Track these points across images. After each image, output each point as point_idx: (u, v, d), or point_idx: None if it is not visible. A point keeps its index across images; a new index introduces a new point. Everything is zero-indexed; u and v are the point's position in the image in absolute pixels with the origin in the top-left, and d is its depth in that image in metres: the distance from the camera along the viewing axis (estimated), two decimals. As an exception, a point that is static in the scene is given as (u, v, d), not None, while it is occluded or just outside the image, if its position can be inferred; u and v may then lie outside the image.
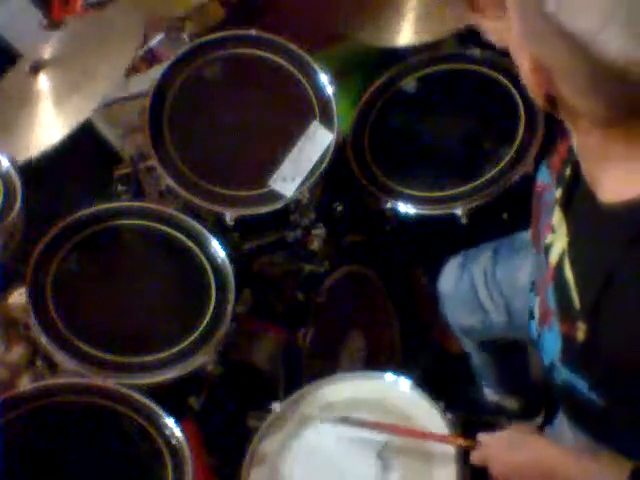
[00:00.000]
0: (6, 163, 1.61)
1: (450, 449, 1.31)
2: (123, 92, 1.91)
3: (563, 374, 1.04)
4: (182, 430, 1.37)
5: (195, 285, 1.62)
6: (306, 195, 1.67)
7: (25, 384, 1.48)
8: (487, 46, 1.84)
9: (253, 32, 1.78)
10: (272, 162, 1.69)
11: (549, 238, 1.08)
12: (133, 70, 1.97)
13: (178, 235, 1.65)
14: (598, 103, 0.87)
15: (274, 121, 1.75)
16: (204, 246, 1.64)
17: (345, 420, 1.39)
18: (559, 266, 1.02)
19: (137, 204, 1.71)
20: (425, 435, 1.35)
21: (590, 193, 0.96)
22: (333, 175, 1.73)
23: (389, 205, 1.75)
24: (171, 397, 1.48)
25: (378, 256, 1.94)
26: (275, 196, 1.66)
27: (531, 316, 1.14)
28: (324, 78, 1.75)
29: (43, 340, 1.45)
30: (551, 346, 1.04)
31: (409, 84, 1.92)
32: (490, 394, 1.92)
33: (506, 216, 1.76)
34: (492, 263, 1.62)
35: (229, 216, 1.64)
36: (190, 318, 1.56)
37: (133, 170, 1.84)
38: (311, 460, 1.40)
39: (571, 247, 1.01)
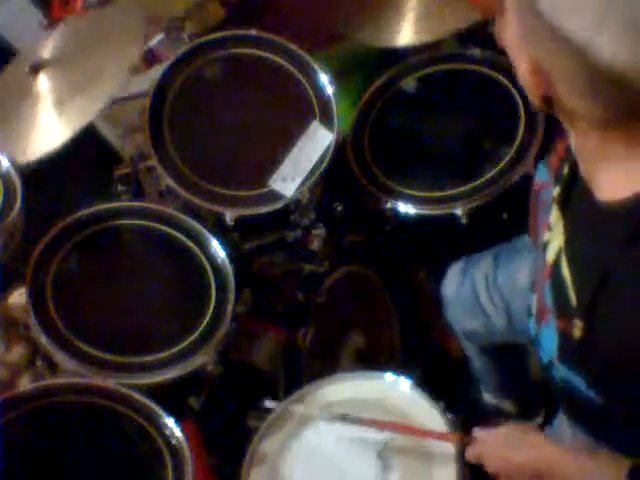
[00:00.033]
0: (6, 163, 1.61)
1: (450, 449, 1.31)
2: (123, 92, 1.91)
3: (561, 372, 1.04)
4: (182, 430, 1.37)
5: (195, 285, 1.62)
6: (306, 195, 1.67)
7: (25, 384, 1.48)
8: (487, 46, 1.85)
9: (253, 32, 1.79)
10: (272, 162, 1.69)
11: (546, 236, 1.09)
12: (133, 70, 1.97)
13: (178, 235, 1.65)
14: (596, 105, 0.87)
15: (274, 121, 1.75)
16: (204, 246, 1.64)
17: (343, 417, 1.39)
18: (556, 264, 1.03)
19: (137, 204, 1.71)
20: (421, 432, 1.35)
21: (587, 191, 0.97)
22: (333, 175, 1.73)
23: (389, 205, 1.75)
24: (171, 397, 1.48)
25: (378, 256, 1.94)
26: (275, 196, 1.66)
27: (529, 314, 1.14)
28: (324, 78, 1.75)
29: (43, 340, 1.45)
30: (549, 343, 1.05)
31: (409, 84, 1.92)
32: (489, 398, 1.92)
33: (506, 216, 1.76)
34: (493, 268, 1.62)
35: (229, 216, 1.63)
36: (190, 318, 1.56)
37: (133, 170, 1.84)
38: (311, 460, 1.40)
39: (568, 245, 1.01)
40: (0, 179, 1.59)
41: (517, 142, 1.75)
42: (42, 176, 1.69)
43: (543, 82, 0.89)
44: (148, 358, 1.50)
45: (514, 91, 1.78)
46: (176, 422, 1.37)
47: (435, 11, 1.81)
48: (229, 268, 1.61)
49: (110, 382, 1.42)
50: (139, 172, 1.83)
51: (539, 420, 1.87)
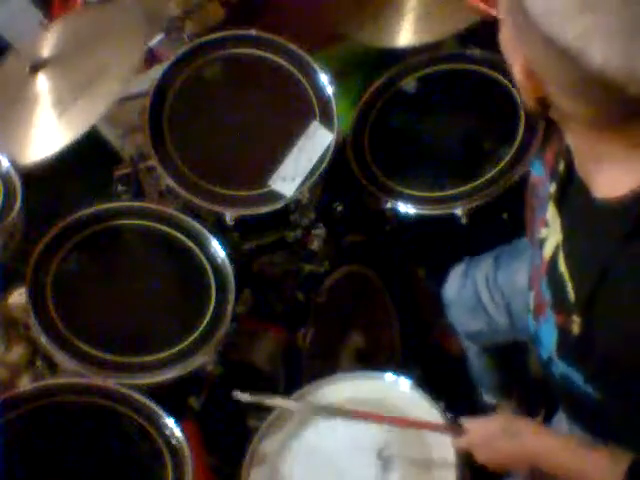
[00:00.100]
0: (6, 163, 1.61)
1: (450, 449, 1.31)
2: (123, 92, 1.91)
3: (560, 368, 1.05)
4: (182, 430, 1.37)
5: (195, 285, 1.62)
6: (306, 195, 1.67)
7: (25, 384, 1.48)
8: (487, 46, 1.85)
9: (253, 32, 1.79)
10: (272, 162, 1.69)
11: (543, 232, 1.09)
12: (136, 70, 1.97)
13: (178, 235, 1.65)
14: (588, 109, 0.87)
15: (274, 121, 1.75)
16: (204, 246, 1.64)
17: (334, 411, 1.39)
18: (553, 260, 1.03)
19: (137, 204, 1.71)
20: (412, 423, 1.35)
21: (584, 188, 0.97)
22: (333, 175, 1.73)
23: (389, 205, 1.75)
24: (171, 397, 1.48)
25: (378, 256, 1.94)
26: (275, 196, 1.66)
27: (528, 310, 1.15)
28: (324, 78, 1.75)
29: (43, 340, 1.45)
30: (548, 339, 1.05)
31: (409, 84, 1.92)
32: (489, 399, 1.92)
33: (506, 216, 1.76)
34: (493, 269, 1.63)
35: (229, 216, 1.63)
36: (190, 318, 1.56)
37: (133, 170, 1.84)
38: (311, 460, 1.40)
39: (565, 241, 1.02)
40: (0, 179, 1.59)
41: (517, 142, 1.75)
42: (42, 176, 1.69)
43: (537, 84, 0.89)
44: (148, 358, 1.50)
45: (514, 91, 1.78)
46: (176, 422, 1.37)
47: (435, 11, 1.81)
48: (229, 268, 1.61)
49: (110, 382, 1.42)
50: (139, 172, 1.83)
51: (539, 419, 1.88)
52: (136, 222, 1.66)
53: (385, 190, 1.77)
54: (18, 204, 1.55)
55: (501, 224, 1.76)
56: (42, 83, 1.67)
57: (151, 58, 2.01)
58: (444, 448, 1.32)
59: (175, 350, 1.51)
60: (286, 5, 2.13)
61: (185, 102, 1.73)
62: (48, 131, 1.62)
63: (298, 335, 1.74)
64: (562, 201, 1.06)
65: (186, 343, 1.53)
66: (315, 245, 1.76)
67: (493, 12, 1.56)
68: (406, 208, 1.74)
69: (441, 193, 1.75)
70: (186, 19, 1.89)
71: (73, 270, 1.57)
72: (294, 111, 1.75)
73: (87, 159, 1.96)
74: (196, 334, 1.54)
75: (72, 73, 1.67)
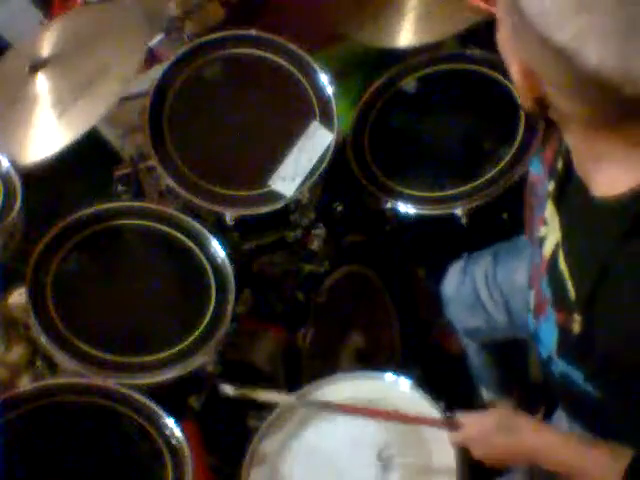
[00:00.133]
0: (6, 163, 1.61)
1: (450, 451, 1.31)
2: (123, 92, 1.91)
3: (560, 366, 1.05)
4: (182, 430, 1.37)
5: (195, 285, 1.62)
6: (306, 195, 1.67)
7: (25, 384, 1.48)
8: (487, 46, 1.85)
9: (253, 32, 1.79)
10: (272, 162, 1.69)
11: (542, 231, 1.09)
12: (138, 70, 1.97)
13: (178, 235, 1.65)
14: (585, 109, 0.88)
15: (274, 121, 1.75)
16: (204, 246, 1.64)
17: (325, 405, 1.39)
18: (553, 258, 1.03)
19: (137, 204, 1.71)
20: (405, 418, 1.35)
21: (583, 187, 0.97)
22: (333, 175, 1.73)
23: (389, 205, 1.75)
24: (171, 397, 1.48)
25: (378, 256, 1.94)
26: (275, 196, 1.66)
27: (528, 309, 1.15)
28: (324, 78, 1.75)
29: (43, 340, 1.45)
30: (548, 338, 1.05)
31: (409, 84, 1.92)
32: (489, 397, 1.92)
33: (506, 216, 1.76)
34: (493, 265, 1.63)
35: (229, 216, 1.63)
36: (190, 318, 1.56)
37: (133, 170, 1.84)
38: (311, 460, 1.40)
39: (565, 240, 1.02)
40: (0, 179, 1.59)
41: (517, 142, 1.75)
42: (42, 176, 1.69)
43: (534, 84, 0.90)
44: (148, 358, 1.50)
45: (514, 91, 1.78)
46: (176, 422, 1.37)
47: (436, 11, 1.81)
48: (229, 268, 1.61)
49: (110, 382, 1.42)
50: (139, 172, 1.83)
51: (538, 417, 1.88)
52: (136, 222, 1.66)
53: (385, 190, 1.77)
54: (18, 204, 1.55)
55: (501, 224, 1.76)
56: (42, 83, 1.67)
57: (151, 58, 2.01)
58: (444, 449, 1.32)
59: (175, 350, 1.51)
60: (286, 5, 2.13)
61: (185, 102, 1.73)
62: (48, 131, 1.62)
63: (298, 335, 1.74)
64: (561, 199, 1.06)
65: (186, 343, 1.53)
66: (315, 245, 1.76)
67: (494, 11, 1.56)
68: (406, 208, 1.74)
69: (441, 193, 1.75)
70: (186, 19, 1.88)
71: (73, 270, 1.56)
72: (294, 111, 1.75)
73: (87, 159, 1.96)
74: (196, 334, 1.54)
75: (72, 73, 1.67)
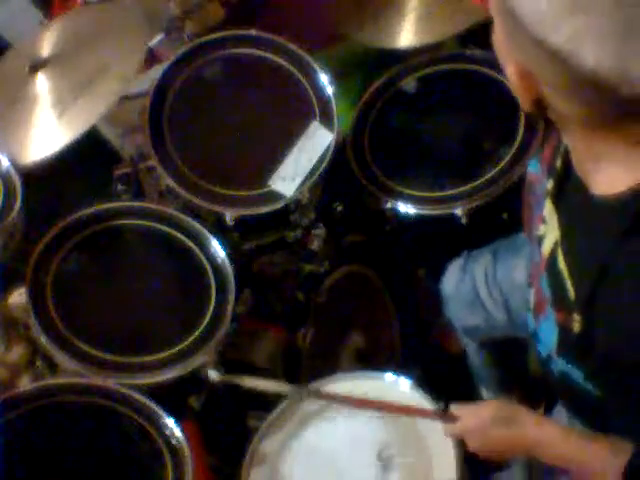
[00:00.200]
0: (6, 163, 1.60)
1: (450, 450, 1.31)
2: (123, 92, 1.91)
3: (560, 365, 1.05)
4: (182, 430, 1.37)
5: (195, 285, 1.62)
6: (306, 195, 1.67)
7: (25, 384, 1.48)
8: (487, 46, 1.85)
9: (253, 32, 1.79)
10: (272, 162, 1.69)
11: (541, 230, 1.10)
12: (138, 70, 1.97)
13: (178, 235, 1.65)
14: (582, 109, 0.88)
15: (274, 121, 1.75)
16: (204, 246, 1.64)
17: (317, 394, 1.39)
18: (552, 257, 1.04)
19: (137, 204, 1.71)
20: (401, 409, 1.35)
21: (582, 185, 0.97)
22: (333, 175, 1.73)
23: (389, 205, 1.75)
24: (171, 397, 1.48)
25: (378, 256, 1.94)
26: (275, 196, 1.66)
27: (527, 308, 1.15)
28: (324, 78, 1.75)
29: (43, 340, 1.45)
30: (548, 337, 1.05)
31: (409, 84, 1.92)
32: (489, 397, 1.92)
33: (506, 216, 1.76)
34: (492, 263, 1.63)
35: (229, 216, 1.63)
36: (190, 318, 1.56)
37: (133, 170, 1.84)
38: (311, 460, 1.40)
39: (564, 239, 1.02)
40: (0, 179, 1.59)
41: (517, 142, 1.75)
42: (42, 176, 1.69)
43: (530, 85, 0.90)
44: (148, 358, 1.50)
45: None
46: (176, 422, 1.37)
47: (436, 12, 1.81)
48: (229, 268, 1.61)
49: (110, 382, 1.42)
50: (139, 172, 1.83)
51: (539, 412, 1.88)
52: (136, 222, 1.66)
53: (385, 190, 1.77)
54: (18, 204, 1.55)
55: (501, 224, 1.76)
56: (42, 83, 1.67)
57: (151, 58, 2.01)
58: (444, 449, 1.32)
59: (175, 350, 1.51)
60: (286, 5, 2.13)
61: (185, 102, 1.73)
62: (48, 131, 1.62)
63: (298, 335, 1.74)
64: (559, 198, 1.06)
65: (186, 343, 1.53)
66: (315, 245, 1.76)
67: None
68: (406, 208, 1.74)
69: (441, 193, 1.75)
70: (186, 19, 1.88)
71: (73, 270, 1.56)
72: (294, 111, 1.75)
73: (87, 159, 1.96)
74: (196, 334, 1.54)
75: (72, 73, 1.67)
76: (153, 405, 1.38)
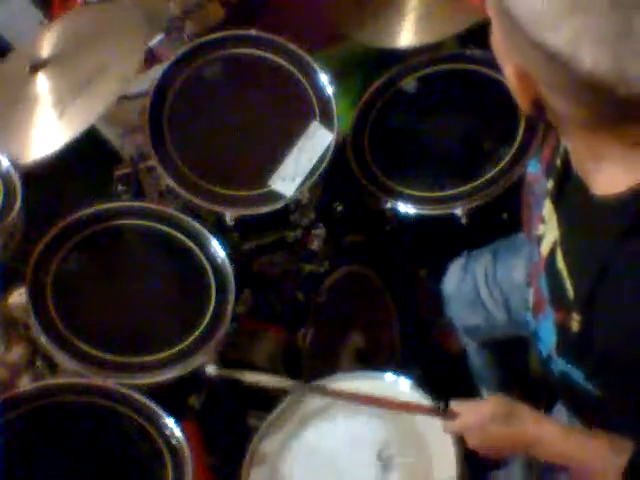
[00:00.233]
0: (6, 163, 1.61)
1: (450, 450, 1.31)
2: (123, 92, 1.91)
3: (560, 365, 1.05)
4: (182, 430, 1.37)
5: (195, 285, 1.62)
6: (306, 195, 1.67)
7: (25, 384, 1.48)
8: (487, 46, 1.85)
9: (253, 32, 1.79)
10: (272, 162, 1.69)
11: (540, 229, 1.10)
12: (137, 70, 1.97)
13: (178, 235, 1.65)
14: (579, 110, 0.88)
15: (274, 121, 1.75)
16: (204, 246, 1.64)
17: (321, 389, 1.39)
18: (551, 257, 1.04)
19: (137, 204, 1.71)
20: (401, 405, 1.35)
21: (582, 185, 0.97)
22: (333, 175, 1.73)
23: (389, 205, 1.75)
24: (171, 397, 1.48)
25: (378, 256, 1.94)
26: (275, 196, 1.66)
27: (527, 307, 1.15)
28: (324, 78, 1.75)
29: (43, 340, 1.45)
30: (547, 337, 1.05)
31: (409, 84, 1.92)
32: (488, 396, 1.92)
33: (506, 216, 1.76)
34: (492, 263, 1.63)
35: (229, 216, 1.63)
36: (190, 318, 1.56)
37: (133, 170, 1.84)
38: (311, 460, 1.40)
39: (563, 238, 1.02)
40: (0, 179, 1.59)
41: (517, 142, 1.75)
42: (42, 176, 1.69)
43: (529, 87, 0.90)
44: (148, 358, 1.49)
45: (514, 91, 1.78)
46: (176, 422, 1.37)
47: (436, 12, 1.81)
48: (229, 268, 1.61)
49: (110, 382, 1.42)
50: (139, 172, 1.83)
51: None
52: (136, 222, 1.66)
53: (385, 190, 1.77)
54: (18, 204, 1.55)
55: (501, 224, 1.76)
56: (42, 83, 1.67)
57: (151, 58, 2.01)
58: (444, 448, 1.32)
59: (175, 350, 1.51)
60: (286, 5, 2.13)
61: (185, 102, 1.73)
62: (48, 130, 1.62)
63: (298, 335, 1.74)
64: (559, 198, 1.06)
65: (186, 343, 1.52)
66: (315, 245, 1.76)
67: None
68: (406, 208, 1.74)
69: (441, 193, 1.75)
70: (186, 19, 1.88)
71: (73, 270, 1.56)
72: (294, 111, 1.75)
73: (87, 159, 1.96)
74: (196, 334, 1.54)
75: (72, 73, 1.67)
76: (153, 405, 1.38)
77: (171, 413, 1.38)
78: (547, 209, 1.08)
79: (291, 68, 1.77)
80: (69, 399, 1.39)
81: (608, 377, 0.98)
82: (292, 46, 1.77)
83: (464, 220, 1.70)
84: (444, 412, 1.29)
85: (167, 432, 1.37)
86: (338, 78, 1.77)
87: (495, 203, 1.71)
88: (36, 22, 2.06)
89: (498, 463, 1.40)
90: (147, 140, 1.68)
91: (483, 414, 1.22)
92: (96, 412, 1.39)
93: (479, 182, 1.73)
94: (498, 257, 1.63)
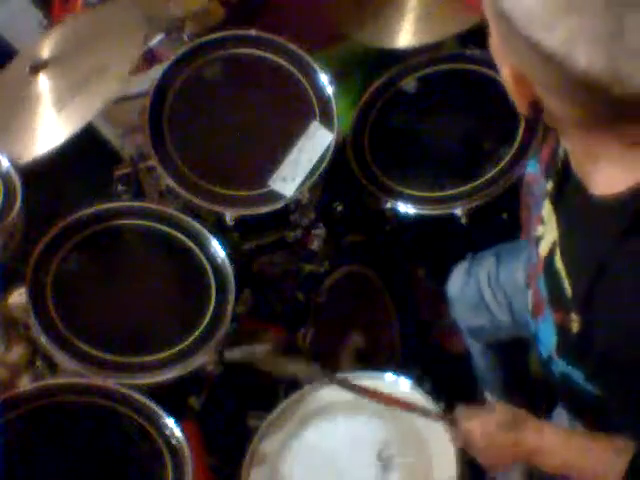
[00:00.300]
0: (6, 163, 1.61)
1: (450, 450, 1.31)
2: (123, 92, 1.91)
3: (560, 366, 1.05)
4: (182, 430, 1.37)
5: (195, 285, 1.62)
6: (306, 195, 1.67)
7: (25, 384, 1.48)
8: (487, 46, 1.85)
9: (253, 32, 1.79)
10: (272, 162, 1.69)
11: (539, 230, 1.10)
12: (133, 70, 1.97)
13: (178, 235, 1.65)
14: (575, 110, 0.88)
15: (274, 121, 1.75)
16: (204, 246, 1.64)
17: (336, 380, 1.40)
18: (549, 257, 1.04)
19: (137, 204, 1.71)
20: (408, 406, 1.35)
21: (581, 186, 0.97)
22: (333, 175, 1.73)
23: (389, 205, 1.75)
24: (171, 397, 1.48)
25: (378, 256, 1.94)
26: (275, 196, 1.66)
27: (527, 310, 1.15)
28: (324, 78, 1.75)
29: (43, 340, 1.45)
30: (547, 338, 1.05)
31: (409, 84, 1.92)
32: (491, 399, 1.92)
33: (506, 216, 1.76)
34: (495, 266, 1.63)
35: (229, 216, 1.63)
36: (190, 318, 1.56)
37: (133, 170, 1.84)
38: (311, 460, 1.40)
39: (561, 239, 1.02)
40: (0, 179, 1.59)
41: (517, 142, 1.75)
42: (42, 176, 1.69)
43: (526, 88, 0.90)
44: (148, 358, 1.49)
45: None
46: (176, 422, 1.37)
47: (436, 12, 1.81)
48: (229, 268, 1.61)
49: (110, 382, 1.42)
50: (139, 172, 1.83)
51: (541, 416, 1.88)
52: (136, 222, 1.66)
53: (385, 190, 1.77)
54: (18, 204, 1.55)
55: (501, 224, 1.76)
56: (43, 83, 1.67)
57: (151, 58, 2.01)
58: (444, 448, 1.32)
59: (175, 350, 1.51)
60: (286, 5, 2.13)
61: (185, 102, 1.73)
62: (48, 128, 1.62)
63: (298, 335, 1.74)
64: (558, 198, 1.06)
65: (186, 343, 1.52)
66: (315, 245, 1.76)
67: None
68: (406, 208, 1.74)
69: (441, 193, 1.75)
70: (186, 19, 1.88)
71: (73, 270, 1.56)
72: (294, 111, 1.75)
73: (87, 159, 1.96)
74: (196, 334, 1.54)
75: (72, 72, 1.67)
76: (153, 405, 1.38)
77: (171, 413, 1.38)
78: (546, 210, 1.08)
79: (291, 68, 1.77)
80: (69, 399, 1.39)
81: (608, 377, 0.98)
82: (292, 46, 1.77)
83: (464, 220, 1.70)
84: (450, 420, 1.29)
85: (167, 432, 1.37)
86: (338, 78, 1.77)
87: (495, 203, 1.71)
88: (36, 22, 2.07)
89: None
90: (147, 140, 1.68)
91: (488, 423, 1.22)
92: (96, 412, 1.39)
93: (479, 182, 1.73)
94: (501, 260, 1.64)
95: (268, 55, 1.78)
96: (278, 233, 1.72)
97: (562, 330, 1.00)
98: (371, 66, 2.04)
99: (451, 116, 1.89)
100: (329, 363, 1.80)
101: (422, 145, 1.86)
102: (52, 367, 1.49)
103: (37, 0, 2.14)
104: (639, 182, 0.89)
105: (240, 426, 1.60)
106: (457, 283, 1.69)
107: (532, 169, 1.20)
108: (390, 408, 1.40)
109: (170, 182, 1.65)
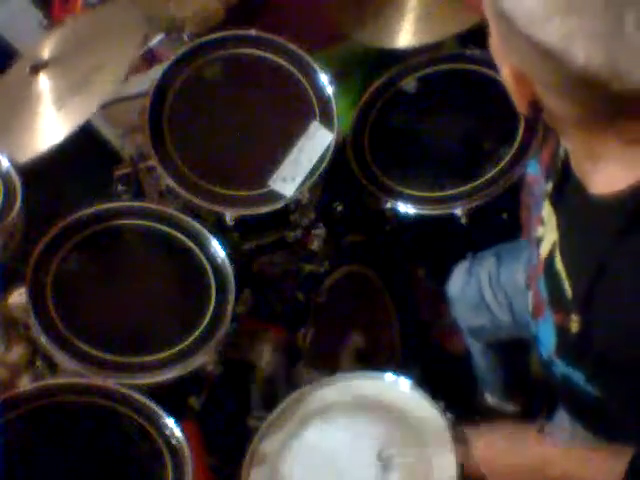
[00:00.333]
0: (6, 163, 1.61)
1: (450, 450, 1.31)
2: (123, 92, 1.91)
3: (560, 368, 1.05)
4: (182, 430, 1.37)
5: (195, 285, 1.62)
6: (306, 195, 1.67)
7: (25, 384, 1.48)
8: (487, 46, 1.85)
9: (253, 32, 1.79)
10: (272, 162, 1.69)
11: (540, 231, 1.10)
12: (133, 70, 1.97)
13: (178, 235, 1.65)
14: (574, 107, 0.88)
15: (274, 121, 1.75)
16: (204, 246, 1.64)
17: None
18: (550, 258, 1.04)
19: (137, 204, 1.71)
20: None
21: (580, 186, 0.97)
22: (333, 175, 1.73)
23: (389, 205, 1.75)
24: (171, 397, 1.48)
25: (378, 256, 1.94)
26: (275, 196, 1.66)
27: (527, 311, 1.15)
28: (324, 78, 1.74)
29: (43, 340, 1.45)
30: (547, 339, 1.05)
31: (409, 84, 1.92)
32: (491, 399, 1.92)
33: (506, 216, 1.76)
34: (496, 266, 1.64)
35: (229, 216, 1.63)
36: (190, 318, 1.56)
37: (133, 170, 1.84)
38: (311, 460, 1.40)
39: (561, 239, 1.02)
40: (0, 179, 1.59)
41: (517, 142, 1.75)
42: (42, 176, 1.69)
43: (526, 87, 0.90)
44: (148, 358, 1.49)
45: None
46: (176, 422, 1.37)
47: (436, 12, 1.81)
48: (229, 268, 1.61)
49: (110, 382, 1.42)
50: (139, 172, 1.83)
51: (541, 420, 1.88)
52: (136, 222, 1.66)
53: (385, 190, 1.77)
54: (18, 204, 1.55)
55: (501, 224, 1.76)
56: (43, 83, 1.67)
57: (151, 58, 2.01)
58: (444, 448, 1.32)
59: (175, 350, 1.51)
60: (286, 5, 2.13)
61: (185, 102, 1.73)
62: (48, 126, 1.62)
63: (298, 335, 1.74)
64: (558, 199, 1.06)
65: (186, 343, 1.52)
66: (315, 245, 1.76)
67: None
68: (406, 208, 1.74)
69: (441, 193, 1.75)
70: (186, 19, 1.88)
71: (73, 270, 1.56)
72: (294, 111, 1.75)
73: (87, 159, 1.96)
74: (196, 334, 1.54)
75: (72, 73, 1.67)
76: (153, 405, 1.38)
77: (171, 413, 1.38)
78: (546, 211, 1.08)
79: (291, 68, 1.77)
80: (69, 399, 1.39)
81: (608, 378, 0.98)
82: (292, 46, 1.77)
83: (464, 220, 1.70)
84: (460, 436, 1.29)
85: (167, 432, 1.37)
86: (338, 78, 1.77)
87: (495, 203, 1.71)
88: (36, 22, 2.07)
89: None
90: (147, 140, 1.68)
91: (497, 446, 1.22)
92: (96, 412, 1.39)
93: (479, 182, 1.73)
94: (502, 260, 1.64)
95: (268, 55, 1.78)
96: (278, 233, 1.72)
97: (562, 331, 1.00)
98: (371, 66, 2.04)
99: (451, 116, 1.89)
100: (329, 363, 1.80)
101: (422, 145, 1.86)
102: (52, 367, 1.49)
103: (37, 0, 2.14)
104: (639, 180, 0.89)
105: (240, 426, 1.60)
106: (458, 283, 1.70)
107: (532, 170, 1.20)
108: (390, 408, 1.41)
109: (170, 182, 1.65)
